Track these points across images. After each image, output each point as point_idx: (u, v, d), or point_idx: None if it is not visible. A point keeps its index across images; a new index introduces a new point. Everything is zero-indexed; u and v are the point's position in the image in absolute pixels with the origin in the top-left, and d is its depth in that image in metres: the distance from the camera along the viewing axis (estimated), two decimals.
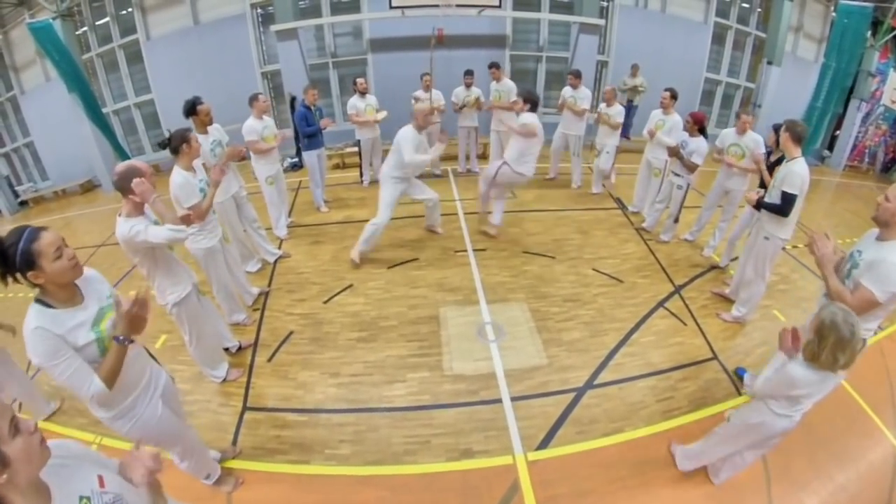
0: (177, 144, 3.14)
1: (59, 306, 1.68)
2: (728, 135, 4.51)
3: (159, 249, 2.66)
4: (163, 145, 3.19)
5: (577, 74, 6.40)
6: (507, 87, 6.44)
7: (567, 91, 6.50)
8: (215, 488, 2.62)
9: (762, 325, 4.00)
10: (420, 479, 2.71)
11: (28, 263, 1.54)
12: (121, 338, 1.75)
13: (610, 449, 2.86)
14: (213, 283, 3.68)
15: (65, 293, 1.70)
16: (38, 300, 1.66)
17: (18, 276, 1.57)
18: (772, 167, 3.89)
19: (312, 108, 5.74)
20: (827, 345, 1.82)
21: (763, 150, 4.22)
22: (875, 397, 3.32)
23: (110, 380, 1.74)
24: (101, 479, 1.26)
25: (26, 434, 1.03)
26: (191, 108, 3.92)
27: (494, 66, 6.54)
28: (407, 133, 4.41)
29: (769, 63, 9.23)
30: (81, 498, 1.17)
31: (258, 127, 4.80)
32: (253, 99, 4.79)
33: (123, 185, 2.39)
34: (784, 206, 3.27)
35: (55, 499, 1.11)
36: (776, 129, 3.83)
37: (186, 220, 2.85)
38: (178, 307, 2.87)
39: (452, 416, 3.11)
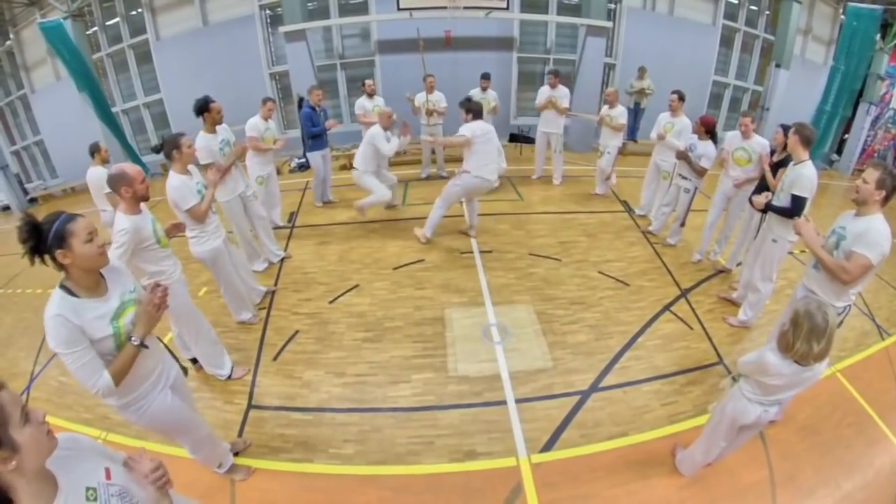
0: (168, 150, 3.13)
1: (82, 295, 1.72)
2: (734, 138, 4.42)
3: (142, 251, 2.69)
4: (156, 150, 3.25)
5: (556, 74, 6.54)
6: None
7: (545, 90, 6.55)
8: (225, 479, 2.65)
9: (769, 329, 3.95)
10: (423, 479, 2.72)
11: (59, 241, 1.61)
12: (135, 340, 1.81)
13: (614, 452, 2.85)
14: (220, 284, 3.72)
15: (89, 280, 1.74)
16: (62, 286, 1.70)
17: (47, 257, 1.63)
18: (775, 168, 3.88)
19: (317, 108, 5.78)
20: (801, 333, 1.86)
21: (767, 152, 4.20)
22: (882, 404, 3.28)
23: (118, 377, 1.77)
24: (107, 471, 1.29)
25: (36, 423, 1.07)
26: (203, 106, 3.96)
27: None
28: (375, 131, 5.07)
29: (777, 66, 9.17)
30: (88, 489, 1.20)
31: (261, 126, 4.96)
32: (262, 103, 5.01)
33: (113, 187, 2.52)
34: (794, 210, 3.27)
35: (62, 489, 1.14)
36: (785, 128, 3.81)
37: (177, 229, 2.97)
38: (173, 304, 2.88)
39: (456, 417, 3.11)
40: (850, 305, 2.67)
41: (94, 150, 4.83)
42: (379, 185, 5.34)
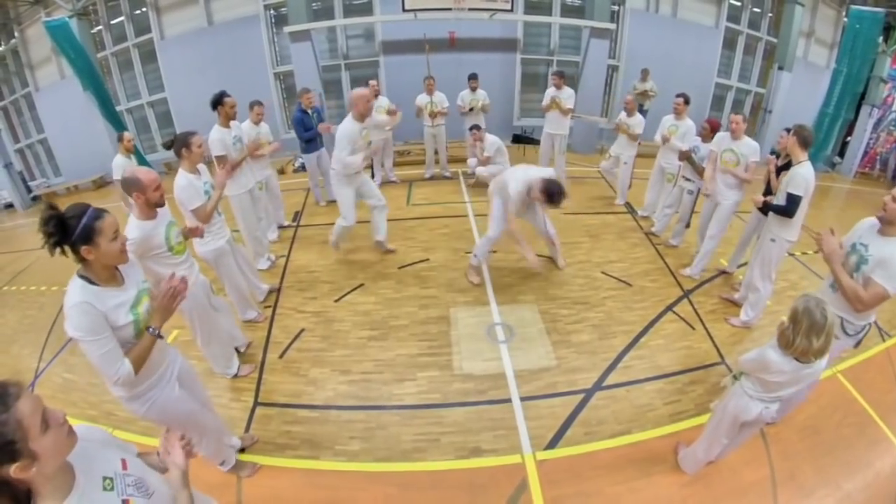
0: (178, 148, 3.15)
1: (102, 284, 1.75)
2: (723, 139, 4.20)
3: (154, 257, 2.67)
4: (167, 146, 3.24)
5: (561, 75, 6.46)
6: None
7: (551, 91, 6.52)
8: (230, 476, 2.68)
9: (771, 330, 3.93)
10: (428, 476, 2.75)
11: (86, 238, 1.63)
12: (153, 329, 1.86)
13: (617, 450, 2.88)
14: (224, 283, 3.74)
15: (107, 273, 1.78)
16: (81, 276, 1.72)
17: (67, 249, 1.64)
18: (779, 171, 3.91)
19: (309, 111, 5.76)
20: (801, 329, 1.88)
21: (756, 159, 4.05)
22: (884, 405, 3.29)
23: (138, 365, 1.82)
24: (123, 462, 1.31)
25: (55, 427, 1.07)
26: (218, 100, 4.03)
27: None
28: (345, 126, 4.13)
29: (780, 68, 9.21)
30: (105, 478, 1.22)
31: (251, 132, 4.85)
32: (249, 108, 4.89)
33: (127, 191, 2.50)
34: (789, 208, 3.32)
35: (79, 478, 1.15)
36: (789, 132, 3.84)
37: (194, 233, 2.95)
38: (184, 306, 2.85)
39: (461, 414, 3.14)
40: (870, 324, 2.54)
41: (119, 139, 5.27)
42: (350, 205, 4.50)
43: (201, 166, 3.32)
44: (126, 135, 5.21)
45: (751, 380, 2.20)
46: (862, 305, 2.36)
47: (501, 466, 2.77)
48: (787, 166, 3.86)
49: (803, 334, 1.88)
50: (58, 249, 1.63)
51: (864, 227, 2.50)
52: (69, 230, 1.61)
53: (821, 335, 1.86)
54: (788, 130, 3.87)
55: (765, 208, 3.64)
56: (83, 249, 1.65)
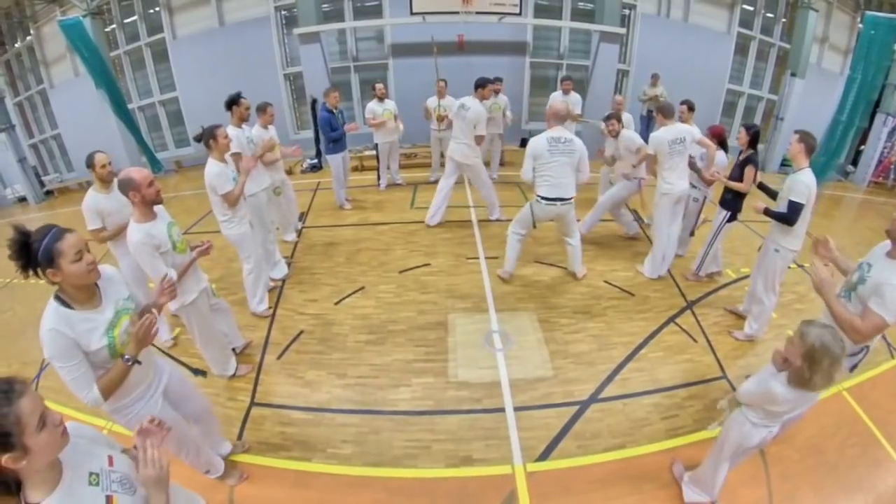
0: (206, 139, 3.43)
1: (76, 306, 1.71)
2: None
3: (165, 257, 2.67)
4: (197, 139, 3.47)
5: (570, 80, 6.46)
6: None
7: (557, 96, 6.47)
8: (219, 480, 2.68)
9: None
10: (418, 483, 2.74)
11: (48, 260, 1.59)
12: (127, 358, 1.81)
13: (610, 465, 2.83)
14: (246, 263, 3.89)
15: (82, 294, 1.74)
16: (57, 297, 1.70)
17: (39, 271, 1.61)
18: (743, 165, 3.94)
19: (335, 111, 5.78)
20: (821, 368, 1.77)
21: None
22: (889, 425, 3.20)
23: (108, 392, 1.79)
24: (110, 458, 1.35)
25: (52, 427, 1.13)
26: (233, 100, 4.13)
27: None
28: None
29: (793, 75, 9.06)
30: (91, 474, 1.25)
31: (263, 136, 4.66)
32: (261, 110, 4.67)
33: (123, 192, 2.52)
34: (790, 215, 3.29)
35: (66, 473, 1.20)
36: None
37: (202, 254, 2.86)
38: (183, 310, 2.93)
39: (454, 422, 3.12)
40: (867, 348, 2.45)
41: (89, 164, 3.42)
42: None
43: (228, 157, 3.60)
44: (99, 157, 3.31)
45: (753, 408, 2.13)
46: (859, 336, 2.23)
47: (491, 476, 2.75)
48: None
49: (824, 372, 1.78)
50: (30, 273, 1.60)
51: (878, 248, 2.37)
52: (32, 254, 1.57)
53: (839, 365, 1.78)
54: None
55: (766, 214, 3.58)
56: (48, 272, 1.61)
